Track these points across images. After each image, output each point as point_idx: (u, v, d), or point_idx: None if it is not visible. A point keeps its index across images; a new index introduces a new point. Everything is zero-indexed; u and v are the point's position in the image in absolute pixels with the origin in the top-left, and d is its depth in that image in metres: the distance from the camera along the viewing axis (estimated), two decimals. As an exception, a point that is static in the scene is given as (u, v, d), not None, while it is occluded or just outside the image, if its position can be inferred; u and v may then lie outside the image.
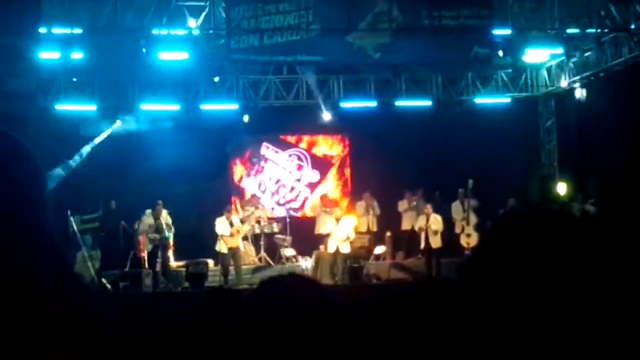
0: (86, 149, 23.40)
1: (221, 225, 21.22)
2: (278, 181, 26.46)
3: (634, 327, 1.65)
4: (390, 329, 2.67)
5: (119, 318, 1.76)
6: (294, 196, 26.46)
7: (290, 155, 26.65)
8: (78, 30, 19.63)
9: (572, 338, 1.64)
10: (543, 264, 1.70)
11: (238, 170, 26.44)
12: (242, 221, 22.14)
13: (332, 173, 26.84)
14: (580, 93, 23.40)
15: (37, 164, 1.75)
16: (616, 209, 20.32)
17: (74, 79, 22.57)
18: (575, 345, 1.64)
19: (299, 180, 26.57)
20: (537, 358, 1.66)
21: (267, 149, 26.46)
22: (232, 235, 21.09)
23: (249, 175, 26.39)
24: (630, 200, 19.78)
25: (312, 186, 26.56)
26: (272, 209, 25.78)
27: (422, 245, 21.96)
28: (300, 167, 26.63)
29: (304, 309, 2.38)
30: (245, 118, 24.37)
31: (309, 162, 26.64)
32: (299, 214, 25.83)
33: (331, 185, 26.69)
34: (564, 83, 24.43)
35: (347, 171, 26.86)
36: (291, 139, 26.79)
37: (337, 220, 21.74)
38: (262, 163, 26.39)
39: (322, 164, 26.74)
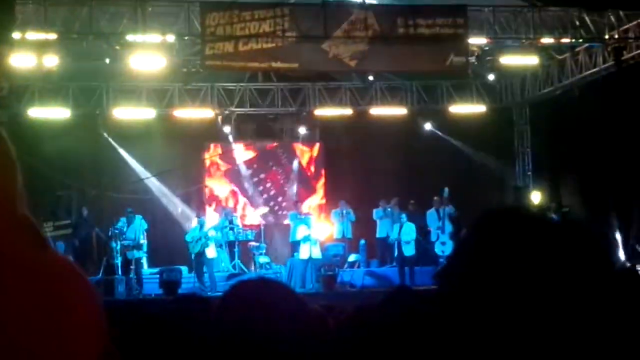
0: None
1: (191, 232, 21.19)
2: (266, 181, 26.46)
3: (612, 331, 1.64)
4: (363, 335, 2.65)
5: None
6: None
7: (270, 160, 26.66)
8: (53, 36, 19.50)
9: (548, 341, 1.63)
10: (518, 268, 1.69)
11: (213, 175, 26.32)
12: (215, 228, 22.05)
13: (307, 180, 26.80)
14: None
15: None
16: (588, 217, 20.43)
17: (48, 85, 22.45)
18: (552, 349, 1.62)
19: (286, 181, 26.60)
20: None
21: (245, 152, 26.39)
22: (199, 239, 21.00)
23: (228, 178, 26.28)
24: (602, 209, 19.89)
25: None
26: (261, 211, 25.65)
27: (396, 254, 21.99)
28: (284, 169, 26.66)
29: (275, 313, 2.35)
30: (221, 127, 24.36)
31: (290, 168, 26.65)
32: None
33: (307, 193, 26.66)
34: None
35: (322, 179, 26.79)
36: (269, 146, 26.69)
37: (310, 224, 21.85)
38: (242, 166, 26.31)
39: (299, 172, 26.69)
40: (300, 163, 26.68)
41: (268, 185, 26.48)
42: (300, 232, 21.79)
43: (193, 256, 21.08)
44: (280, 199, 26.39)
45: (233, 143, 25.90)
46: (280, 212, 26.09)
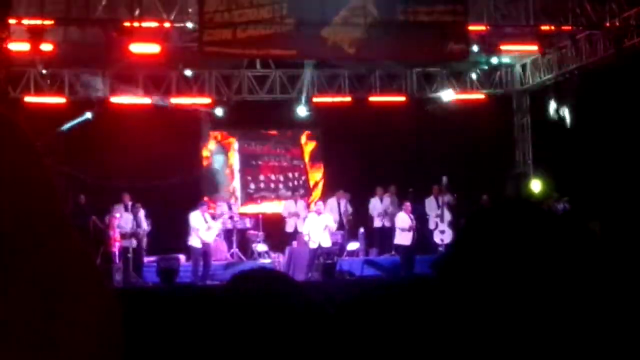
0: None
1: (196, 219, 21.07)
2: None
3: (611, 322, 1.63)
4: (365, 325, 2.60)
5: None
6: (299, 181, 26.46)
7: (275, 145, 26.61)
8: (49, 22, 19.39)
9: (548, 333, 1.61)
10: (517, 259, 1.67)
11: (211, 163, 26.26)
12: (214, 217, 21.97)
13: (305, 168, 26.76)
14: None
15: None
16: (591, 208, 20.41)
17: (44, 71, 22.35)
18: (553, 340, 1.60)
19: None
20: (514, 354, 1.62)
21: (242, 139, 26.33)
22: (207, 229, 20.95)
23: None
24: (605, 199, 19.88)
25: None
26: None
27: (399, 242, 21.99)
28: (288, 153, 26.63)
29: (276, 303, 2.34)
30: (219, 113, 24.30)
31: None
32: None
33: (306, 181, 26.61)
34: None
35: (320, 167, 26.72)
36: (271, 132, 26.62)
37: (317, 214, 21.81)
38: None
39: (297, 159, 26.65)
40: (298, 150, 26.60)
41: (266, 173, 26.38)
42: (310, 221, 21.72)
43: (192, 244, 21.00)
44: (279, 186, 26.30)
45: (230, 130, 25.81)
46: (279, 201, 26.02)
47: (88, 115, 23.38)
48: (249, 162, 26.38)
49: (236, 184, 26.22)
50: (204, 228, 20.93)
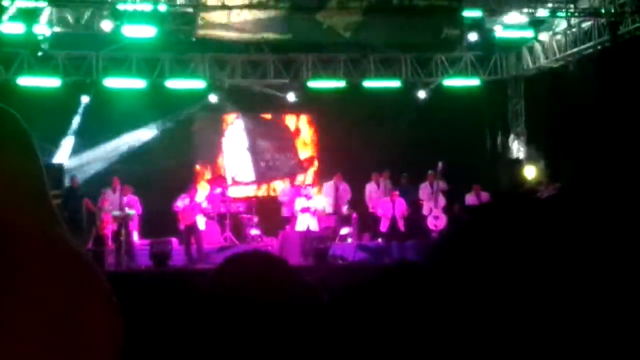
0: None
1: (180, 202, 21.08)
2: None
3: (607, 315, 1.56)
4: (359, 309, 2.61)
5: None
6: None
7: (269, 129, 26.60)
8: (43, 4, 19.32)
9: (543, 325, 1.55)
10: (516, 251, 1.61)
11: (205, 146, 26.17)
12: (207, 199, 21.93)
13: (300, 152, 26.72)
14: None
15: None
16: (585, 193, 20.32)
17: (39, 53, 22.29)
18: (549, 332, 1.55)
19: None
20: (508, 344, 1.57)
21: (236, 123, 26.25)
22: (185, 211, 20.89)
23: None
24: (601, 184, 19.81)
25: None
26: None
27: (386, 229, 21.86)
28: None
29: (270, 286, 2.36)
30: (212, 98, 24.22)
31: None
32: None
33: (300, 167, 26.57)
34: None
35: (315, 151, 26.68)
36: (261, 117, 26.55)
37: (307, 199, 21.83)
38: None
39: (292, 144, 26.61)
40: (292, 135, 26.57)
41: (261, 156, 26.33)
42: (299, 204, 21.76)
43: (183, 227, 20.99)
44: (272, 171, 26.27)
45: (224, 114, 25.77)
46: (272, 184, 26.00)
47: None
48: (256, 143, 26.32)
49: (231, 163, 26.08)
50: (181, 209, 20.94)
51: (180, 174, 23.84)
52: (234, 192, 24.80)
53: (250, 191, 25.39)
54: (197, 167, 25.64)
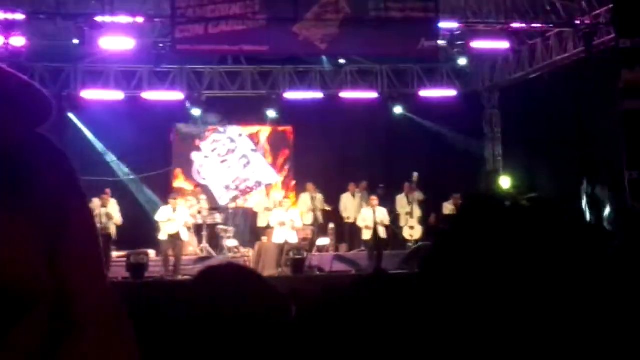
0: None
1: (162, 212, 21.04)
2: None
3: (586, 316, 1.65)
4: (329, 318, 2.65)
5: None
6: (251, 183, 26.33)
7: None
8: (20, 16, 19.28)
9: (523, 327, 1.63)
10: (494, 254, 1.69)
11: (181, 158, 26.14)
12: (183, 210, 21.90)
13: (278, 164, 26.70)
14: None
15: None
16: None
17: (14, 66, 22.21)
18: (529, 335, 1.62)
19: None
20: (487, 349, 1.64)
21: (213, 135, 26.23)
22: (169, 220, 20.84)
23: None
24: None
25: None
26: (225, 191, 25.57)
27: (368, 237, 21.83)
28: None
29: (244, 298, 2.40)
30: (190, 110, 24.26)
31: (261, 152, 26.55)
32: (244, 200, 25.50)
33: (277, 178, 26.54)
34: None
35: (290, 162, 26.67)
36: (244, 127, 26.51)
37: (286, 209, 21.93)
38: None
39: (268, 155, 26.60)
40: (269, 147, 26.57)
41: (236, 168, 26.29)
42: (275, 217, 21.75)
43: (161, 238, 20.93)
44: (248, 182, 26.23)
45: (202, 126, 25.75)
46: (248, 196, 25.96)
47: None
48: (233, 154, 26.31)
49: (207, 174, 26.05)
50: (165, 220, 20.88)
51: (158, 184, 23.83)
52: (210, 203, 24.74)
53: (227, 202, 25.32)
54: (175, 178, 25.61)
